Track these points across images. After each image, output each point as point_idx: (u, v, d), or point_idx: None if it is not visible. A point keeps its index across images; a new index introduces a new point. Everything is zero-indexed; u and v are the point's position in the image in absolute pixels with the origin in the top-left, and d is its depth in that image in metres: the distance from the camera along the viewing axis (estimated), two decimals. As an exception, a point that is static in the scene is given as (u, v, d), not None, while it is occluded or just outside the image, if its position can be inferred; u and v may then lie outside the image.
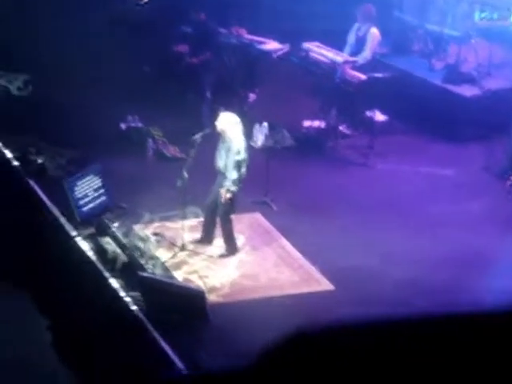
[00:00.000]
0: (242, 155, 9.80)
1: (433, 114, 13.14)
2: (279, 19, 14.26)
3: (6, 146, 11.92)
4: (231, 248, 10.16)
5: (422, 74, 13.86)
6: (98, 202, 10.73)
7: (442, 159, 12.61)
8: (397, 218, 11.02)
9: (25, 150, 11.55)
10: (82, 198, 10.58)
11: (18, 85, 13.74)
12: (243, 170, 9.83)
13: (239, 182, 9.83)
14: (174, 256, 10.02)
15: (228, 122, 9.91)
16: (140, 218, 10.59)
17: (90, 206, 10.66)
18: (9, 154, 11.80)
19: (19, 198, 11.23)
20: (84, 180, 10.67)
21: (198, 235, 10.34)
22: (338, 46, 13.21)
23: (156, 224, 10.57)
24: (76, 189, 10.54)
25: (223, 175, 9.91)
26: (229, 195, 9.81)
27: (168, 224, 10.59)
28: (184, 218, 10.17)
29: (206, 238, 10.28)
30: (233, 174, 9.77)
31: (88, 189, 10.66)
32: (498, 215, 11.23)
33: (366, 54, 12.92)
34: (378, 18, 13.23)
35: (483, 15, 14.02)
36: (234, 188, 9.79)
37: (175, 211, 10.16)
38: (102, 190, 10.78)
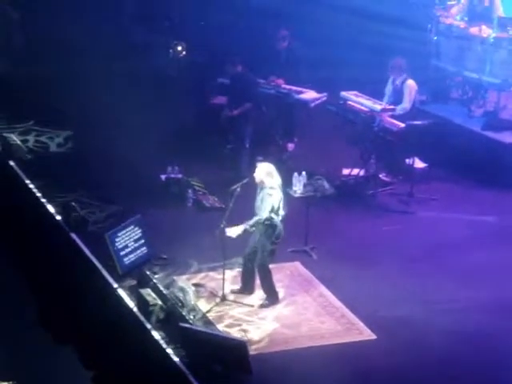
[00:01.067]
0: (275, 202, 9.79)
1: (472, 161, 13.09)
2: (316, 68, 14.34)
3: (49, 201, 12.04)
4: (272, 298, 10.11)
5: (461, 121, 13.85)
6: (138, 253, 10.76)
7: (483, 206, 12.51)
8: (440, 267, 10.91)
9: (67, 205, 11.65)
10: (123, 250, 10.61)
11: (59, 141, 13.94)
12: (276, 217, 9.80)
13: (259, 223, 9.76)
14: (214, 306, 9.99)
15: (265, 172, 9.94)
16: (187, 269, 10.59)
17: (131, 257, 10.69)
18: (52, 209, 11.91)
19: (62, 251, 11.30)
20: (125, 232, 10.71)
21: (239, 285, 10.31)
22: (376, 95, 13.24)
23: (197, 275, 10.56)
24: (117, 241, 10.59)
25: (262, 224, 9.91)
26: (236, 232, 9.74)
27: (209, 274, 10.58)
28: (225, 268, 10.15)
29: (246, 288, 10.25)
30: (259, 215, 9.76)
31: (129, 240, 10.70)
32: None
33: (404, 106, 12.93)
34: (416, 67, 13.25)
35: (523, 62, 13.99)
36: (250, 224, 9.76)
37: (222, 262, 10.13)
38: (142, 242, 10.81)
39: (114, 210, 11.74)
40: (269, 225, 9.87)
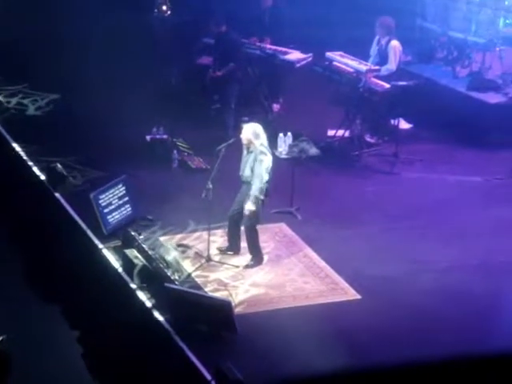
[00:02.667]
0: (266, 164, 9.80)
1: (458, 122, 13.09)
2: (302, 29, 14.26)
3: (34, 163, 12.02)
4: (257, 258, 10.15)
5: (447, 82, 13.84)
6: (123, 213, 10.77)
7: (468, 166, 12.56)
8: (425, 227, 10.97)
9: (51, 167, 11.62)
10: (108, 210, 10.61)
11: (40, 104, 13.84)
12: (267, 179, 9.82)
13: (263, 190, 9.81)
14: (199, 267, 10.03)
15: (252, 133, 9.92)
16: (172, 229, 10.59)
17: (116, 218, 10.70)
18: (37, 171, 11.89)
19: (46, 210, 11.30)
20: (110, 192, 10.71)
21: (224, 246, 10.34)
22: (362, 55, 13.19)
23: (183, 236, 10.59)
24: (102, 201, 10.59)
25: (248, 184, 9.91)
26: (254, 207, 9.80)
27: (194, 235, 10.60)
28: (211, 229, 10.17)
29: (232, 249, 10.28)
30: (257, 183, 9.78)
31: (114, 201, 10.70)
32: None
33: (390, 66, 12.89)
34: (400, 27, 13.20)
35: (508, 22, 13.95)
36: (260, 196, 9.79)
37: (207, 223, 10.14)
38: (127, 202, 10.82)
39: (97, 175, 11.69)
40: (263, 188, 9.83)
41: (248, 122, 10.27)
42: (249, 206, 9.82)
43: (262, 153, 9.85)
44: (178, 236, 10.60)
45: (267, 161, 9.82)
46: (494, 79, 13.60)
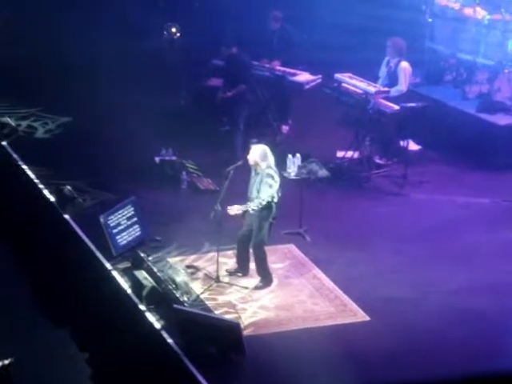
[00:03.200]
0: (274, 187, 9.83)
1: (467, 144, 13.11)
2: (310, 51, 14.33)
3: (44, 186, 12.07)
4: (266, 280, 10.15)
5: (456, 104, 13.85)
6: (132, 235, 10.79)
7: (476, 188, 12.55)
8: (433, 248, 10.96)
9: (61, 189, 11.67)
10: (117, 231, 10.64)
11: (50, 127, 13.90)
12: (274, 199, 9.84)
13: (261, 206, 9.80)
14: (208, 288, 10.03)
15: (259, 154, 9.95)
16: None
17: (125, 239, 10.72)
18: (46, 193, 11.93)
19: (56, 234, 11.33)
20: (119, 213, 10.74)
21: (233, 268, 10.35)
22: (370, 77, 13.24)
23: (192, 257, 10.60)
24: (111, 223, 10.62)
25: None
26: (238, 212, 9.78)
27: (203, 256, 10.61)
28: (220, 250, 10.18)
29: (241, 270, 10.29)
30: (258, 200, 9.79)
31: (123, 221, 10.73)
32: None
33: (400, 88, 12.92)
34: (409, 49, 13.25)
35: (517, 44, 14.00)
36: (253, 207, 9.79)
37: (216, 245, 10.15)
38: (136, 224, 10.84)
39: (107, 197, 11.72)
40: (265, 206, 9.89)
41: (256, 144, 10.31)
42: (234, 207, 9.81)
43: (268, 175, 9.86)
44: (188, 257, 10.61)
45: (275, 185, 9.85)
46: (503, 101, 13.61)
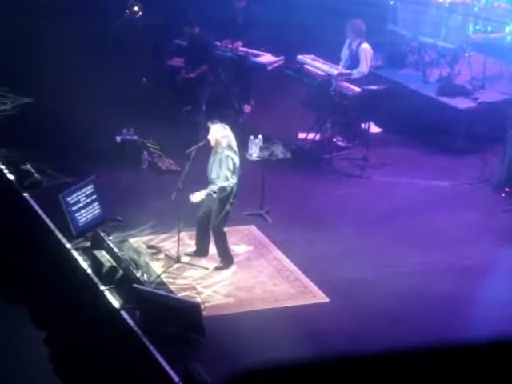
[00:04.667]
0: (232, 164, 9.81)
1: (427, 126, 13.18)
2: (274, 31, 14.29)
3: (1, 161, 11.93)
4: (226, 261, 10.16)
5: (417, 87, 13.91)
6: (93, 214, 10.73)
7: (437, 171, 12.64)
8: (393, 230, 11.03)
9: (19, 164, 11.55)
10: (77, 211, 10.57)
11: (5, 107, 13.70)
12: (233, 180, 9.83)
13: (223, 190, 9.80)
14: (168, 268, 10.02)
15: (220, 134, 9.93)
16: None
17: (86, 218, 10.65)
18: (4, 169, 11.80)
19: (14, 211, 11.23)
20: (79, 193, 10.67)
21: (193, 248, 10.34)
22: (333, 58, 13.25)
23: (153, 237, 10.56)
24: (71, 201, 10.54)
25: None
26: (199, 198, 9.79)
27: (163, 236, 10.58)
28: (180, 231, 10.16)
29: (201, 251, 10.28)
30: (219, 182, 9.79)
31: (83, 202, 10.66)
32: (494, 226, 11.25)
33: (361, 70, 12.96)
34: (372, 31, 13.28)
35: (477, 28, 14.06)
36: (214, 192, 9.78)
37: (177, 225, 10.11)
38: (96, 203, 10.78)
39: (67, 178, 11.60)
40: (225, 188, 9.88)
41: (216, 123, 10.26)
42: (196, 195, 9.81)
43: (228, 157, 9.83)
44: (148, 237, 10.57)
45: (232, 161, 9.83)
46: (463, 84, 13.70)
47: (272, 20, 14.44)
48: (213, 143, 9.98)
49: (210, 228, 10.10)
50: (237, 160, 9.93)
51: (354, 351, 8.58)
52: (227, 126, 10.06)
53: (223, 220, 10.00)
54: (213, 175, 9.93)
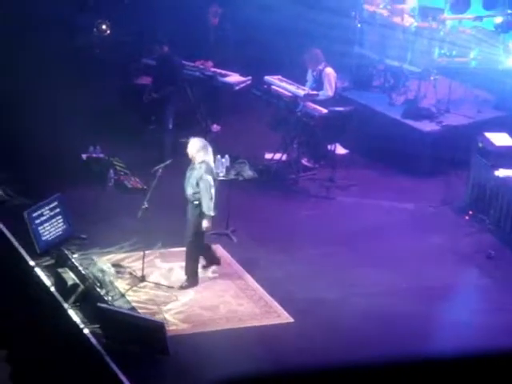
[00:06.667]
0: (211, 180, 9.83)
1: (393, 149, 13.28)
2: (243, 50, 14.35)
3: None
4: (192, 280, 10.15)
5: (383, 109, 14.03)
6: (57, 232, 10.68)
7: (402, 193, 12.74)
8: (358, 251, 11.10)
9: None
10: (41, 229, 10.52)
11: None
12: (213, 193, 9.85)
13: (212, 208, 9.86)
14: (133, 287, 9.99)
15: (195, 149, 9.92)
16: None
17: (50, 236, 10.60)
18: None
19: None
20: (44, 210, 10.62)
21: (159, 266, 10.31)
22: (300, 79, 13.33)
23: (117, 256, 10.53)
24: (36, 219, 10.49)
25: (191, 203, 9.91)
26: (209, 224, 9.85)
27: (128, 255, 10.56)
28: (146, 249, 10.14)
29: (212, 261, 10.38)
30: (206, 200, 9.80)
31: (47, 219, 10.61)
32: (456, 249, 11.36)
33: (327, 93, 13.07)
34: (339, 53, 13.38)
35: (442, 52, 14.24)
36: (212, 213, 9.83)
37: (142, 243, 10.09)
38: (61, 220, 10.74)
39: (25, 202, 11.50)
40: (198, 204, 9.88)
41: (187, 141, 10.23)
42: (205, 224, 9.86)
43: (205, 181, 9.79)
44: (113, 256, 10.54)
45: (212, 188, 9.85)
46: (429, 107, 13.85)
47: (242, 40, 14.52)
48: (190, 156, 9.97)
49: (185, 245, 10.05)
50: (213, 175, 9.95)
51: (316, 368, 8.63)
52: (204, 141, 10.04)
53: (200, 237, 9.99)
54: (188, 191, 9.92)
